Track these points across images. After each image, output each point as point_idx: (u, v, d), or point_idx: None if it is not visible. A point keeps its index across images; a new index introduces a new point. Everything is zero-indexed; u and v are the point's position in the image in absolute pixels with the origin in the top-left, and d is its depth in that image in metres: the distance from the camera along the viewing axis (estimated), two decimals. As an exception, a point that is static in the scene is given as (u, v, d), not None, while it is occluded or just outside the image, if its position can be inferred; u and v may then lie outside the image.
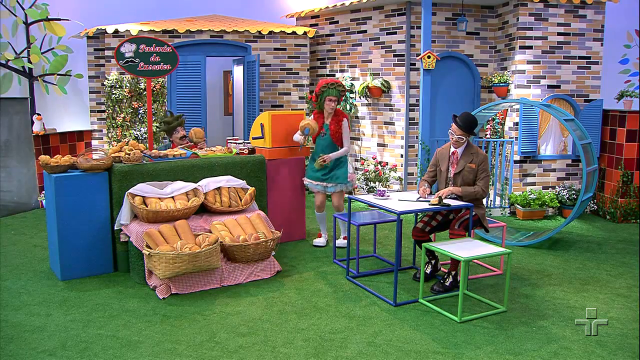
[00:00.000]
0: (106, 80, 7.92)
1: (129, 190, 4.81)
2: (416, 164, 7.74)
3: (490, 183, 7.00)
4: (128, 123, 7.86)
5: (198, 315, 4.15)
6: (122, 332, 3.85)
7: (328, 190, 5.78)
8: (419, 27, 7.60)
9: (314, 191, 5.87)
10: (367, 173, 8.03)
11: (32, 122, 7.75)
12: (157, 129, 6.45)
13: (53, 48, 8.51)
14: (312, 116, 5.91)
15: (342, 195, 5.84)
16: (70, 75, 8.59)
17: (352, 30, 8.39)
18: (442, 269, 5.17)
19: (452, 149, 4.86)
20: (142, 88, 7.79)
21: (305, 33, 8.52)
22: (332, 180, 5.76)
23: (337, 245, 5.77)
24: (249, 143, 6.01)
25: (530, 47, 7.34)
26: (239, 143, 5.93)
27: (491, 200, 7.03)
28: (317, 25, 8.84)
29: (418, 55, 7.26)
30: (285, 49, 8.53)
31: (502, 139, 7.35)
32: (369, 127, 8.35)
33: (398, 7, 7.79)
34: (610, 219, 7.28)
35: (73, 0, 8.79)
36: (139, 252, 4.72)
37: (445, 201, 4.61)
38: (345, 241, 5.78)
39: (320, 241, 5.98)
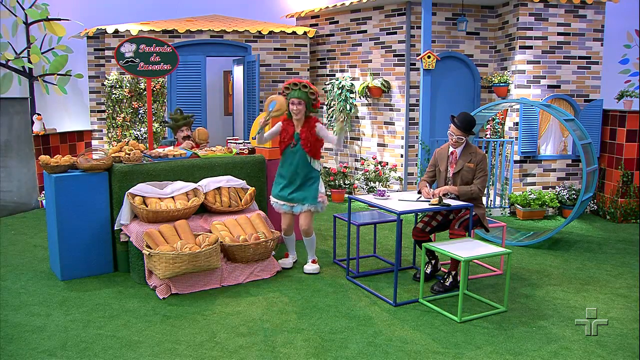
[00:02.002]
0: (106, 80, 7.92)
1: (129, 190, 4.81)
2: (416, 164, 7.74)
3: (491, 183, 7.00)
4: (128, 123, 7.86)
5: (198, 315, 4.15)
6: (122, 332, 3.85)
7: (294, 210, 5.00)
8: (419, 27, 7.60)
9: (280, 212, 5.11)
10: (367, 173, 8.04)
11: (32, 122, 7.75)
12: (164, 124, 6.40)
13: (53, 48, 8.52)
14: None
15: (310, 215, 5.01)
16: (70, 75, 8.59)
17: (352, 30, 8.39)
18: (442, 269, 5.17)
19: (451, 149, 4.86)
20: (142, 88, 7.79)
21: (305, 33, 8.52)
22: (298, 201, 4.97)
23: (305, 271, 5.11)
24: (249, 143, 6.01)
25: (530, 47, 7.34)
26: (239, 143, 5.93)
27: (491, 200, 7.03)
28: (317, 25, 8.84)
29: (418, 55, 7.27)
30: (285, 49, 8.54)
31: (502, 139, 7.35)
32: (369, 127, 8.35)
33: (398, 7, 7.80)
34: (610, 219, 7.28)
35: (73, 0, 8.79)
36: (139, 252, 4.72)
37: (446, 201, 4.61)
38: (316, 265, 5.14)
39: (286, 262, 5.24)
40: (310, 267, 5.13)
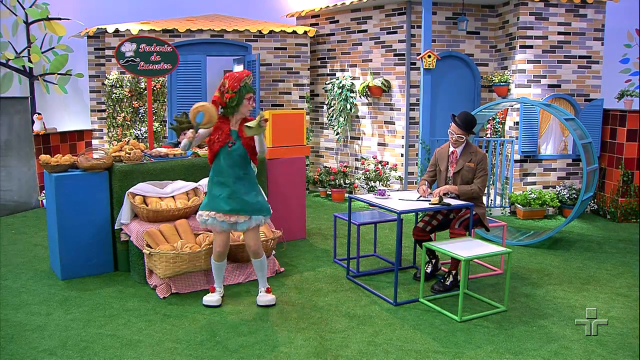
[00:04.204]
0: (106, 80, 7.92)
1: (130, 190, 4.81)
2: (416, 163, 7.74)
3: (491, 182, 7.00)
4: (128, 122, 7.86)
5: (198, 314, 4.15)
6: (122, 332, 3.85)
7: (239, 227, 4.13)
8: (419, 27, 7.60)
9: (215, 230, 4.16)
10: (368, 172, 8.04)
11: (33, 122, 7.75)
12: (170, 127, 6.40)
13: (53, 47, 8.52)
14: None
15: (258, 231, 4.25)
16: (71, 75, 8.59)
17: (353, 29, 8.39)
18: (442, 268, 5.17)
19: (451, 149, 4.86)
20: (142, 87, 7.80)
21: (305, 32, 8.52)
22: (249, 212, 4.12)
23: (259, 303, 4.33)
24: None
25: (530, 47, 7.34)
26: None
27: (491, 200, 7.03)
28: (317, 24, 8.84)
29: (418, 54, 7.26)
30: (285, 49, 8.53)
31: (502, 138, 7.34)
32: (369, 127, 8.35)
33: (398, 7, 7.79)
34: (610, 218, 7.28)
35: (73, -1, 8.81)
36: (139, 252, 4.72)
37: (446, 201, 4.61)
38: (271, 296, 4.35)
39: (212, 299, 4.30)
40: (265, 297, 4.33)
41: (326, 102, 8.69)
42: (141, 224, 4.77)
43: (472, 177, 4.76)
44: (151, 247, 4.49)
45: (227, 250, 4.30)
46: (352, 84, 8.37)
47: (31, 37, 8.33)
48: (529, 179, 7.50)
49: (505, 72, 7.61)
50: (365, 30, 8.23)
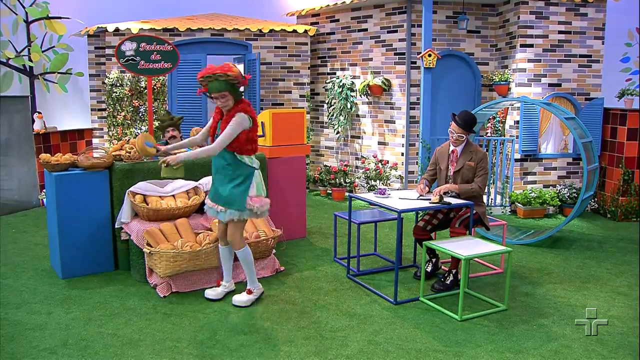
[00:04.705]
0: (107, 79, 7.92)
1: (130, 189, 4.81)
2: (417, 162, 7.74)
3: (491, 181, 7.00)
4: (129, 121, 7.86)
5: (199, 313, 4.15)
6: (122, 330, 3.86)
7: (219, 216, 4.17)
8: (419, 26, 7.59)
9: (211, 217, 4.44)
10: (368, 171, 8.04)
11: (33, 121, 7.75)
12: (157, 127, 6.44)
13: (54, 46, 8.52)
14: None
15: (238, 226, 4.19)
16: (71, 74, 8.59)
17: (353, 28, 8.39)
18: (442, 267, 5.17)
19: (452, 148, 4.86)
20: (142, 86, 7.80)
21: (306, 31, 8.52)
22: (221, 203, 4.12)
23: (233, 302, 4.30)
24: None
25: (531, 46, 7.33)
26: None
27: (492, 199, 7.03)
28: (317, 23, 8.83)
29: (419, 53, 7.26)
30: (285, 47, 8.53)
31: (502, 137, 7.35)
32: (370, 126, 8.35)
33: (399, 6, 7.79)
34: (611, 217, 7.28)
35: (73, -2, 8.81)
36: (139, 251, 4.72)
37: (446, 199, 4.61)
38: (248, 297, 4.30)
39: (212, 292, 4.42)
40: (240, 297, 4.31)
41: (326, 101, 8.69)
42: (141, 222, 4.77)
43: (473, 176, 4.76)
44: (151, 246, 4.49)
45: (225, 235, 4.33)
46: (353, 82, 8.36)
47: (31, 36, 8.33)
48: (530, 177, 7.50)
49: (506, 71, 7.60)
50: (366, 29, 8.23)
